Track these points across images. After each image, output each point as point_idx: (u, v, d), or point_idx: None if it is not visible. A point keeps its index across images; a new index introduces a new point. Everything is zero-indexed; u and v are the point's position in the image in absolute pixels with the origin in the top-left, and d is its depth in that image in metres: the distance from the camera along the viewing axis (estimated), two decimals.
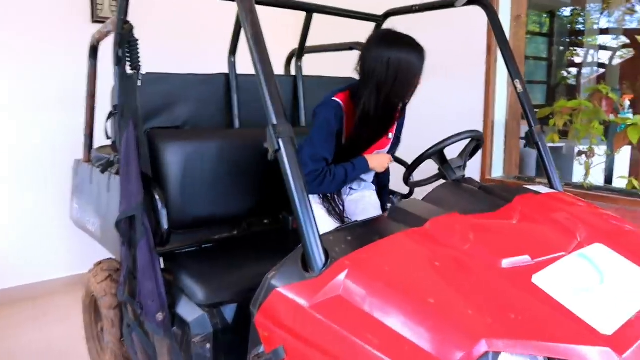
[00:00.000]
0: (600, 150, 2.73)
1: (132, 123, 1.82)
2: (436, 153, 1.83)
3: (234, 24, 2.17)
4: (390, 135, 2.07)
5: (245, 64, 2.45)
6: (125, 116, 1.82)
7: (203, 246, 2.09)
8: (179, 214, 1.99)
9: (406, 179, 1.96)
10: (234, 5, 1.33)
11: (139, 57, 1.87)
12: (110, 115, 1.95)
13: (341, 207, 2.00)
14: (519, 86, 1.99)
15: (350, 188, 2.10)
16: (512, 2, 2.96)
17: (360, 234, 1.23)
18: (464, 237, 1.21)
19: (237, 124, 2.23)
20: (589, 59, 6.84)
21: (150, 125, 2.03)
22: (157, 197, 1.82)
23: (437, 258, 1.12)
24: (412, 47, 1.78)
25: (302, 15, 2.38)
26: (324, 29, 2.85)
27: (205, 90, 2.19)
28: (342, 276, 1.06)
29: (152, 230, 1.84)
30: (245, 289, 1.70)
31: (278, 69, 2.57)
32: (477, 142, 1.92)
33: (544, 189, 1.79)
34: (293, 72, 2.65)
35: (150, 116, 2.03)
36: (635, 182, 2.62)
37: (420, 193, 2.19)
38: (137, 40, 1.84)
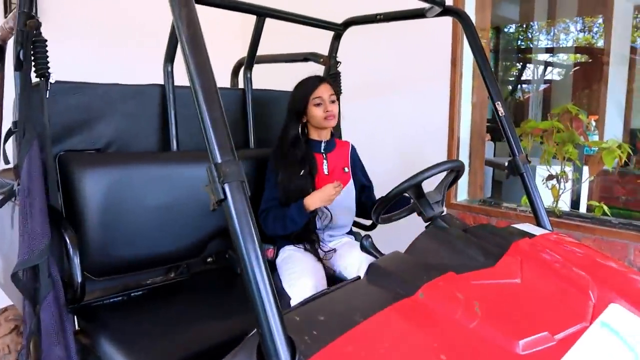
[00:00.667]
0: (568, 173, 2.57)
1: (37, 144, 1.44)
2: (411, 188, 1.56)
3: (171, 25, 1.82)
4: (347, 170, 1.96)
5: (184, 74, 2.14)
6: (27, 135, 1.43)
7: (132, 294, 1.72)
8: (99, 257, 1.61)
9: (376, 218, 1.68)
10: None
11: (47, 61, 1.49)
12: (9, 133, 1.56)
13: (322, 252, 1.86)
14: (500, 109, 1.76)
15: (329, 236, 1.95)
16: (475, 14, 2.77)
17: (336, 312, 0.92)
18: (468, 309, 0.93)
19: (174, 146, 1.87)
20: (535, 75, 6.92)
21: (62, 148, 1.64)
22: (67, 239, 1.44)
23: (442, 347, 0.83)
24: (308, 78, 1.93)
25: (252, 19, 2.07)
26: (278, 38, 2.55)
27: (135, 104, 1.81)
28: None
29: (65, 281, 1.46)
30: (182, 357, 1.36)
31: (222, 80, 2.25)
32: (457, 172, 1.67)
33: (534, 229, 1.56)
34: (241, 85, 2.31)
35: (62, 136, 1.64)
36: (605, 208, 2.47)
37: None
38: (44, 40, 1.47)
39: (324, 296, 1.00)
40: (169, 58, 1.87)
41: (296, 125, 1.90)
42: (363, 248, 1.51)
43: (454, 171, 1.65)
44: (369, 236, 1.53)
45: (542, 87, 6.76)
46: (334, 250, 1.86)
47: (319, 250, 1.83)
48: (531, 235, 1.45)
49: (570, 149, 2.35)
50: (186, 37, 0.90)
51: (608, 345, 0.96)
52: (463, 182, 2.91)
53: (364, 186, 2.06)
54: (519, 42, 7.30)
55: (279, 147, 1.90)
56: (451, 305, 0.93)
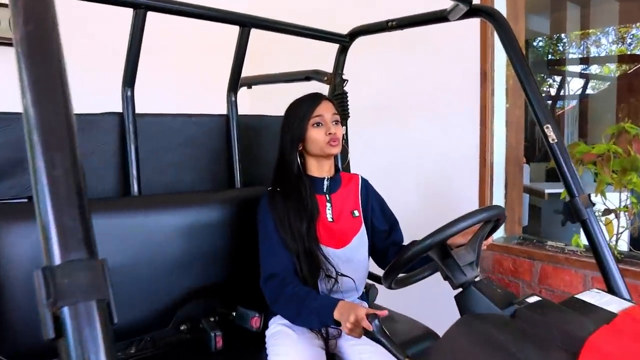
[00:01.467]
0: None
1: None
2: (432, 249, 1.14)
3: (129, 37, 1.46)
4: (357, 214, 1.53)
5: (149, 99, 1.72)
6: None
7: None
8: (25, 337, 1.24)
9: (388, 284, 1.26)
10: None
11: None
12: None
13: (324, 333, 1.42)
14: (551, 134, 1.33)
15: None
16: (507, 14, 2.34)
17: None
18: None
19: (134, 189, 1.50)
20: (567, 90, 6.40)
21: None
22: None
23: None
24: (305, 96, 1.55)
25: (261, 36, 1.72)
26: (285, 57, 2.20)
27: (86, 138, 1.46)
28: None
29: None
30: None
31: (218, 105, 1.88)
32: (496, 222, 1.25)
33: (609, 301, 1.11)
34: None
35: None
36: None
37: None
38: None
39: None
40: (128, 80, 1.51)
41: (293, 154, 1.49)
42: (367, 332, 1.10)
43: (491, 221, 1.23)
44: (375, 316, 1.12)
45: (572, 103, 6.24)
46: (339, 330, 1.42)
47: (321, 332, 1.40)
48: (609, 317, 1.01)
49: (634, 178, 1.89)
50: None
51: None
52: None
53: (385, 230, 1.61)
54: (549, 55, 6.82)
55: (276, 185, 1.49)
56: None
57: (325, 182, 1.53)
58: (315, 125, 1.47)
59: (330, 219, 1.50)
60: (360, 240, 1.53)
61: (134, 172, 1.49)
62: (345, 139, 1.97)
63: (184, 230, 1.50)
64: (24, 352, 1.25)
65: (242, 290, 1.57)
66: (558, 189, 3.63)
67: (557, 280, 2.13)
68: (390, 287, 1.27)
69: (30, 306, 1.22)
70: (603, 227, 2.07)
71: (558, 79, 6.60)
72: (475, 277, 1.19)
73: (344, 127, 1.97)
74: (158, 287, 1.44)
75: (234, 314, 1.55)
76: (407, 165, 2.66)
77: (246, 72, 1.82)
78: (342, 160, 1.94)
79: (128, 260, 1.39)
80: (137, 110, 1.53)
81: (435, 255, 1.18)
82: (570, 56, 6.30)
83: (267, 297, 1.38)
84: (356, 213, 1.56)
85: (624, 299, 1.20)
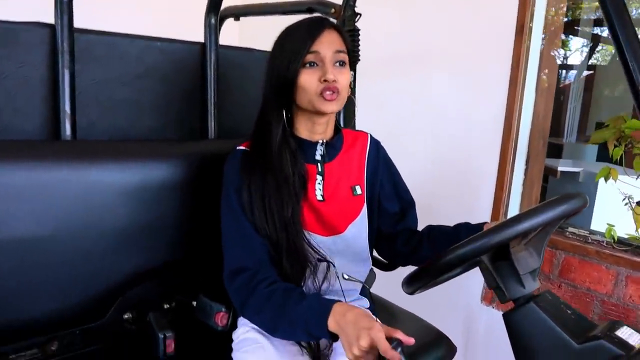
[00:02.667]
0: None
1: None
2: (490, 251, 0.79)
3: None
4: (359, 191, 1.16)
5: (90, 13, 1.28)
6: None
7: None
8: None
9: (414, 288, 0.89)
10: None
11: None
12: None
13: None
14: None
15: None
16: None
17: None
18: None
19: (66, 130, 1.10)
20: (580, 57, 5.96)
21: None
22: None
23: None
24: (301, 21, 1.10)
25: None
26: None
27: (4, 55, 1.04)
28: None
29: None
30: None
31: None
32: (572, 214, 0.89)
33: None
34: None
35: None
36: None
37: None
38: None
39: None
40: None
41: (279, 107, 1.07)
42: None
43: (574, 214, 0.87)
44: (399, 344, 0.76)
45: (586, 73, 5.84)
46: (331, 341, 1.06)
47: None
48: None
49: None
50: None
51: None
52: (515, 195, 2.13)
53: (396, 212, 1.24)
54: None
55: (255, 145, 1.09)
56: None
57: (319, 148, 1.12)
58: (308, 65, 1.03)
59: (319, 198, 1.11)
60: (359, 227, 1.16)
61: (67, 107, 1.08)
62: (352, 88, 1.57)
63: (133, 191, 1.10)
64: None
65: (208, 274, 1.19)
66: (568, 166, 3.33)
67: (583, 275, 1.82)
68: (412, 294, 0.92)
69: None
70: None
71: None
72: (536, 289, 0.85)
73: (352, 73, 1.56)
74: (93, 266, 1.07)
75: (195, 303, 1.18)
76: (419, 128, 2.28)
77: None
78: (346, 119, 1.55)
79: (51, 229, 1.01)
80: (78, 25, 1.11)
81: (487, 255, 0.82)
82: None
83: (233, 299, 1.01)
84: (358, 190, 1.16)
85: None
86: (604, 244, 1.81)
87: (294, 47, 1.03)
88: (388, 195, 1.22)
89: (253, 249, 1.01)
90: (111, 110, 1.20)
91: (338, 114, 1.52)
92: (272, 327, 0.95)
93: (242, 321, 1.10)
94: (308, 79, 1.02)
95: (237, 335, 1.08)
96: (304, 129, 1.11)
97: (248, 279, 0.98)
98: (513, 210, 2.11)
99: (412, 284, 0.87)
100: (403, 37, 2.32)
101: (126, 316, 1.19)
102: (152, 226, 1.14)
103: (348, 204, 1.14)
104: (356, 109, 1.57)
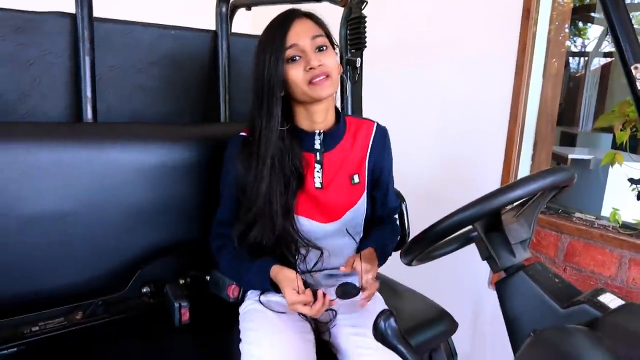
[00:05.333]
0: None
1: None
2: (484, 217, 0.84)
3: None
4: (357, 179, 1.19)
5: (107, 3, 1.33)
6: None
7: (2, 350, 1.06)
8: None
9: (410, 258, 0.95)
10: None
11: None
12: None
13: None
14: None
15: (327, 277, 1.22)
16: None
17: None
18: None
19: (88, 114, 1.17)
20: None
21: None
22: None
23: None
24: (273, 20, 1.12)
25: None
26: None
27: (25, 43, 1.11)
28: None
29: None
30: None
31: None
32: (560, 189, 0.93)
33: None
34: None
35: None
36: None
37: None
38: None
39: None
40: None
41: (270, 105, 1.08)
42: (378, 335, 0.81)
43: (557, 187, 0.92)
44: (389, 312, 0.82)
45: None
46: (333, 312, 1.12)
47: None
48: None
49: None
50: None
51: None
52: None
53: (379, 198, 1.27)
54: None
55: (253, 135, 1.12)
56: None
57: (317, 138, 1.15)
58: (291, 60, 1.06)
59: (318, 185, 1.15)
60: (356, 212, 1.20)
61: (88, 91, 1.16)
62: (359, 74, 1.62)
63: (149, 172, 1.18)
64: None
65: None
66: (582, 154, 3.33)
67: (587, 259, 1.85)
68: (409, 264, 0.97)
69: None
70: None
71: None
72: (525, 259, 0.90)
73: (359, 59, 1.61)
74: (112, 242, 1.14)
75: (208, 278, 1.25)
76: (426, 114, 2.32)
77: None
78: (354, 106, 1.59)
79: (75, 205, 1.09)
80: (98, 14, 1.18)
81: (479, 225, 0.87)
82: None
83: (212, 244, 1.17)
84: (356, 179, 1.19)
85: None
86: (610, 229, 1.83)
87: (273, 47, 1.05)
88: (380, 182, 1.25)
89: (228, 224, 1.14)
90: (128, 95, 1.27)
91: (344, 101, 1.57)
92: (237, 275, 1.16)
93: (249, 294, 1.17)
94: (295, 73, 1.05)
95: (243, 307, 1.15)
96: (304, 119, 1.14)
97: (223, 240, 1.15)
98: None
99: (408, 254, 0.92)
100: (409, 23, 2.36)
101: (144, 290, 1.27)
102: (167, 204, 1.21)
103: (346, 192, 1.18)
104: (361, 94, 1.61)
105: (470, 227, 0.92)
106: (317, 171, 1.15)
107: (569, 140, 4.49)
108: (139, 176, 1.16)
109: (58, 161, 1.07)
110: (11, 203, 1.01)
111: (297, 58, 1.06)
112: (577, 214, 2.02)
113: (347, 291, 1.02)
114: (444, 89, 2.24)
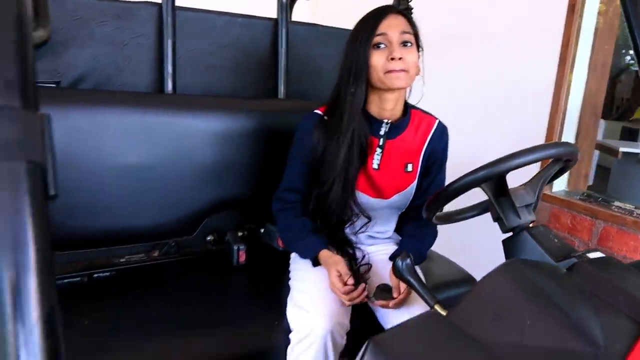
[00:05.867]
0: None
1: None
2: (491, 179, 0.99)
3: None
4: (410, 168, 1.29)
5: None
6: None
7: (94, 275, 1.32)
8: (55, 224, 1.21)
9: (429, 216, 1.12)
10: None
11: None
12: None
13: (356, 263, 1.26)
14: None
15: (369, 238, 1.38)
16: None
17: None
18: None
19: (169, 86, 1.41)
20: None
21: None
22: None
23: None
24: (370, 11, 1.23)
25: None
26: None
27: (121, 27, 1.36)
28: None
29: None
30: None
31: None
32: (565, 163, 1.07)
33: None
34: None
35: None
36: None
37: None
38: None
39: None
40: None
41: (357, 86, 1.19)
42: (398, 273, 0.98)
43: (560, 161, 1.05)
44: (406, 254, 0.99)
45: None
46: (368, 265, 1.27)
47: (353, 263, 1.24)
48: None
49: None
50: None
51: None
52: None
53: (422, 185, 1.36)
54: None
55: (328, 113, 1.26)
56: None
57: (384, 126, 1.26)
58: (376, 47, 1.16)
59: (375, 167, 1.27)
60: (404, 196, 1.32)
61: (169, 68, 1.39)
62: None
63: (217, 137, 1.40)
64: (54, 241, 1.22)
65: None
66: (634, 148, 3.31)
67: (620, 244, 1.93)
68: (430, 220, 1.14)
69: (60, 193, 1.19)
70: None
71: None
72: (531, 222, 1.04)
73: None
74: (185, 193, 1.38)
75: (262, 230, 1.47)
76: (469, 102, 2.43)
77: None
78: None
79: (155, 160, 1.33)
80: (179, 3, 1.41)
81: (489, 190, 1.03)
82: None
83: (273, 207, 1.31)
84: (409, 168, 1.30)
85: None
86: None
87: (364, 32, 1.17)
88: (428, 174, 1.35)
89: (303, 183, 1.28)
90: (202, 72, 1.49)
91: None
92: (287, 246, 1.32)
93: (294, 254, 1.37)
94: (377, 59, 1.16)
95: (292, 264, 1.34)
96: (375, 106, 1.25)
97: (285, 204, 1.28)
98: (559, 184, 2.22)
99: (428, 210, 1.09)
100: (450, 14, 2.47)
101: (209, 238, 1.51)
102: (230, 165, 1.43)
103: (398, 177, 1.30)
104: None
105: (484, 191, 1.07)
106: (377, 154, 1.27)
107: (630, 135, 4.42)
108: (208, 140, 1.39)
109: (144, 124, 1.31)
110: (107, 156, 1.26)
111: (383, 46, 1.16)
112: (617, 203, 2.08)
113: (383, 295, 1.15)
114: (486, 82, 2.34)
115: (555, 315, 0.66)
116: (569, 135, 2.18)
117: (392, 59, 1.14)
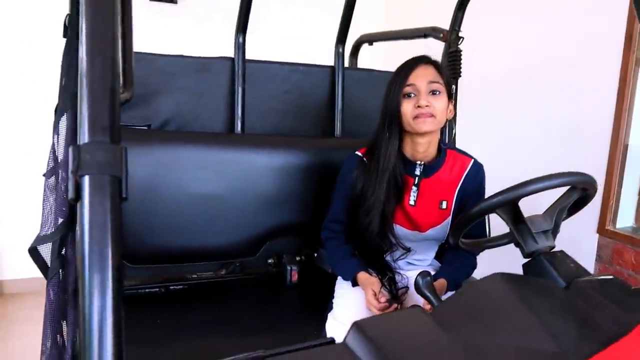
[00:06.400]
0: None
1: (72, 113, 1.32)
2: (503, 205, 1.09)
3: None
4: (444, 205, 1.40)
5: (258, 47, 1.86)
6: (64, 104, 1.32)
7: (171, 287, 1.56)
8: (135, 243, 1.47)
9: (454, 241, 1.23)
10: None
11: None
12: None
13: (396, 285, 1.39)
14: None
15: (407, 264, 1.50)
16: None
17: None
18: None
19: (238, 127, 1.65)
20: None
21: None
22: None
23: None
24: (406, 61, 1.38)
25: None
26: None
27: (200, 79, 1.62)
28: None
29: None
30: None
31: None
32: (584, 193, 1.14)
33: None
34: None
35: None
36: None
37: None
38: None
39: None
40: (241, 27, 1.63)
41: (391, 131, 1.34)
42: (417, 289, 1.10)
43: (577, 189, 1.13)
44: (427, 273, 1.11)
45: None
46: (406, 288, 1.39)
47: (393, 284, 1.37)
48: None
49: None
50: None
51: None
52: (628, 204, 2.20)
53: None
54: None
55: (369, 154, 1.41)
56: None
57: (418, 167, 1.38)
58: (407, 96, 1.30)
59: (412, 203, 1.39)
60: (439, 231, 1.43)
61: (239, 112, 1.64)
62: (455, 98, 1.90)
63: (278, 171, 1.61)
64: (134, 254, 1.48)
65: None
66: None
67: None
68: (457, 246, 1.24)
69: (142, 215, 1.45)
70: None
71: None
72: (550, 247, 1.11)
73: (453, 87, 1.89)
74: (248, 219, 1.58)
75: (316, 255, 1.64)
76: (519, 140, 2.48)
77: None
78: (449, 136, 1.83)
79: (224, 190, 1.55)
80: (248, 57, 1.66)
81: (507, 217, 1.12)
82: None
83: (322, 235, 1.48)
84: (444, 205, 1.40)
85: None
86: None
87: (397, 82, 1.31)
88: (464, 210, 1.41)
89: (345, 216, 1.44)
90: (267, 115, 1.72)
91: (442, 133, 1.73)
92: (332, 269, 1.47)
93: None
94: (406, 106, 1.29)
95: (337, 285, 1.49)
96: (409, 148, 1.37)
97: (331, 233, 1.44)
98: (624, 219, 2.17)
99: (453, 234, 1.20)
100: (503, 51, 2.54)
101: (270, 260, 1.70)
102: (289, 196, 1.62)
103: (433, 213, 1.40)
104: (455, 125, 1.86)
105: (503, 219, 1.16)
106: (413, 192, 1.39)
107: None
108: (271, 173, 1.60)
109: (216, 159, 1.55)
110: (185, 186, 1.50)
111: (412, 95, 1.30)
112: None
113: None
114: (539, 114, 2.38)
115: (527, 319, 0.76)
116: (633, 169, 2.14)
117: (419, 106, 1.28)
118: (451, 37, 1.93)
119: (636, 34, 2.02)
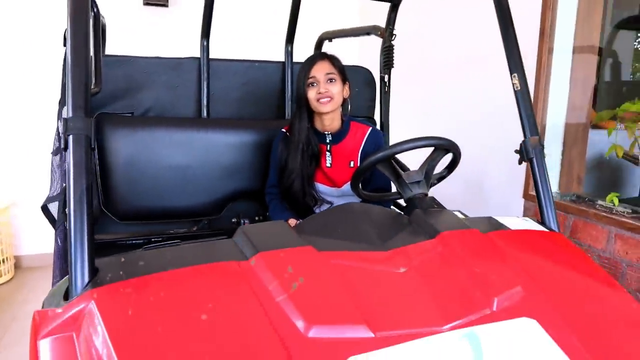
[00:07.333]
0: None
1: (63, 99, 1.73)
2: (382, 161, 1.47)
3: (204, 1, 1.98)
4: (352, 164, 1.80)
5: (220, 47, 2.29)
6: (64, 98, 1.74)
7: (152, 239, 1.97)
8: (122, 204, 1.90)
9: (355, 192, 1.62)
10: None
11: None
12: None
13: None
14: (516, 82, 1.53)
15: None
16: None
17: (158, 259, 0.97)
18: (285, 283, 0.90)
19: (204, 113, 2.05)
20: None
21: (105, 110, 1.93)
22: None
23: (217, 309, 0.84)
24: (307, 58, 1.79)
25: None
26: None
27: (174, 76, 2.03)
28: (85, 309, 0.83)
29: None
30: None
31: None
32: (447, 153, 1.51)
33: (517, 224, 1.35)
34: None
35: (107, 101, 1.93)
36: None
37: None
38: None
39: (173, 247, 1.05)
40: (205, 33, 2.03)
41: (301, 112, 1.76)
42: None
43: (441, 150, 1.50)
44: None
45: None
46: None
47: None
48: (505, 228, 1.26)
49: None
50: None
51: (446, 351, 0.84)
52: (554, 173, 2.55)
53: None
54: None
55: (291, 131, 1.82)
56: (272, 276, 0.91)
57: (327, 137, 1.80)
58: (310, 85, 1.71)
59: (328, 165, 1.82)
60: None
61: (205, 101, 2.05)
62: (388, 85, 2.29)
63: (236, 146, 2.01)
64: (122, 212, 1.90)
65: None
66: None
67: (585, 235, 2.22)
68: (359, 195, 1.62)
69: (128, 182, 1.86)
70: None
71: None
72: (423, 194, 1.48)
73: (386, 76, 2.28)
74: (213, 185, 1.99)
75: (268, 214, 2.04)
76: (446, 120, 2.85)
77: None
78: (383, 114, 2.28)
79: (194, 163, 1.96)
80: (217, 55, 2.06)
81: (388, 172, 1.50)
82: None
83: (266, 198, 1.91)
84: (352, 164, 1.81)
85: (549, 228, 1.40)
86: (613, 211, 2.18)
87: (302, 75, 1.73)
88: None
89: (277, 181, 1.85)
90: (229, 103, 2.12)
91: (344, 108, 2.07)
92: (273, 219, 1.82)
93: None
94: (310, 93, 1.72)
95: None
96: (318, 123, 1.81)
97: (271, 196, 1.87)
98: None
99: (352, 186, 1.58)
100: (432, 45, 2.89)
101: (233, 220, 2.11)
102: (245, 165, 2.02)
103: (345, 171, 1.82)
104: (389, 105, 2.28)
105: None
106: (328, 156, 1.83)
107: None
108: (230, 148, 2.00)
109: (187, 138, 1.95)
110: (162, 160, 1.91)
111: (314, 84, 1.72)
112: (600, 202, 2.37)
113: None
114: (464, 99, 2.73)
115: (366, 229, 1.15)
116: (554, 143, 2.49)
117: (320, 92, 1.70)
118: (386, 34, 2.31)
119: (548, 27, 2.36)
